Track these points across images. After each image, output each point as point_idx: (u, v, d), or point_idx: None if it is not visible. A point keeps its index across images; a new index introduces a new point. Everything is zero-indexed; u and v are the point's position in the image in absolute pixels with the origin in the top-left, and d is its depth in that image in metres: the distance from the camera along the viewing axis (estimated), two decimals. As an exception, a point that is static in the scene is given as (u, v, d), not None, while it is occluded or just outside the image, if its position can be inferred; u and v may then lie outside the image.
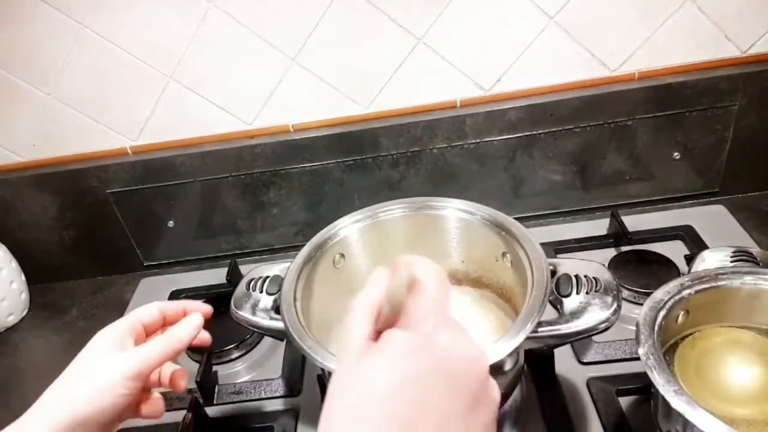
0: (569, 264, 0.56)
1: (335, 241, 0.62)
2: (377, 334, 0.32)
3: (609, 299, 0.52)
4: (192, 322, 0.52)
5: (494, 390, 0.31)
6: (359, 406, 0.28)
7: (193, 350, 0.69)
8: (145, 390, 0.51)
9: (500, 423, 0.60)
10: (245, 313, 0.58)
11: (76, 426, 0.44)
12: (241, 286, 0.62)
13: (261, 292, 0.60)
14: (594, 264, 0.56)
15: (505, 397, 0.56)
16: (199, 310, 0.54)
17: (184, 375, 0.54)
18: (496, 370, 0.51)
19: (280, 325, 0.55)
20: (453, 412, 0.28)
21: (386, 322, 0.32)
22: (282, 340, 0.68)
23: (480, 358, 0.30)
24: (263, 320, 0.58)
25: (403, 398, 0.27)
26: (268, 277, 0.61)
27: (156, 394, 0.53)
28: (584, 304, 0.52)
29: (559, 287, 0.53)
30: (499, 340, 0.47)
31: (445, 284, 0.32)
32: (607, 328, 0.51)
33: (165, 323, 0.54)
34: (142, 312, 0.52)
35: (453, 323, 0.31)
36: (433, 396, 0.28)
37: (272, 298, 0.59)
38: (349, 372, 0.30)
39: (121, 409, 0.46)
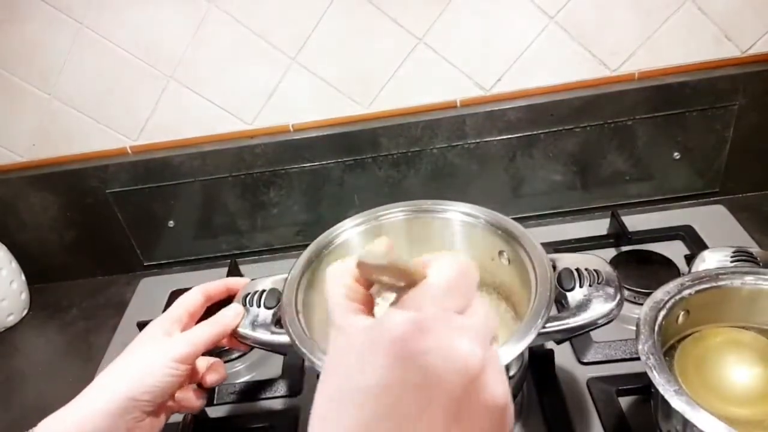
0: (568, 258, 0.56)
1: (335, 246, 0.62)
2: (369, 303, 0.31)
3: (612, 291, 0.52)
4: (233, 309, 0.57)
5: (491, 391, 0.27)
6: (338, 406, 0.27)
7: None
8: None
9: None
10: (245, 330, 0.57)
11: (128, 401, 0.48)
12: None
13: (259, 306, 0.58)
14: (593, 257, 0.56)
15: (512, 398, 0.56)
16: (238, 285, 0.60)
17: (216, 368, 0.57)
18: (505, 370, 0.51)
19: (281, 339, 0.54)
20: (427, 424, 0.26)
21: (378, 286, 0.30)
22: (285, 354, 0.67)
23: (467, 363, 0.26)
24: (264, 335, 0.56)
25: (375, 408, 0.26)
26: (264, 291, 0.59)
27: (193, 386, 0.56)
28: (588, 296, 0.52)
29: (561, 282, 0.53)
30: (510, 339, 0.47)
31: (462, 276, 0.30)
32: (611, 320, 0.51)
33: (208, 301, 0.58)
34: (187, 300, 0.56)
35: (447, 320, 0.27)
36: (406, 408, 0.26)
37: (271, 312, 0.58)
38: (339, 356, 0.29)
39: (169, 389, 0.50)
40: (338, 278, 0.31)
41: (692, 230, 0.81)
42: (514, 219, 0.60)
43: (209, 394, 0.69)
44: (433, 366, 0.26)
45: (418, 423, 0.25)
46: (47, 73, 0.80)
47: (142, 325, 0.78)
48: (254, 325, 0.57)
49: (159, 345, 0.51)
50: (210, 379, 0.56)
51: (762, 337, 0.54)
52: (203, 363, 0.57)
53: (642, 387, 0.61)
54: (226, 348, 0.72)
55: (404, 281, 0.29)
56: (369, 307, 0.31)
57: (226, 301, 0.60)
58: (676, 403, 0.44)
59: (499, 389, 0.27)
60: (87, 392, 0.49)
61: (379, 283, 0.31)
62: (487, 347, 0.27)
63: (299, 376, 0.71)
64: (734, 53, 0.80)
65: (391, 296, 0.31)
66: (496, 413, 0.27)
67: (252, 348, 0.63)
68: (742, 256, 0.66)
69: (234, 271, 0.87)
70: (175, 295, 0.87)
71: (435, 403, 0.26)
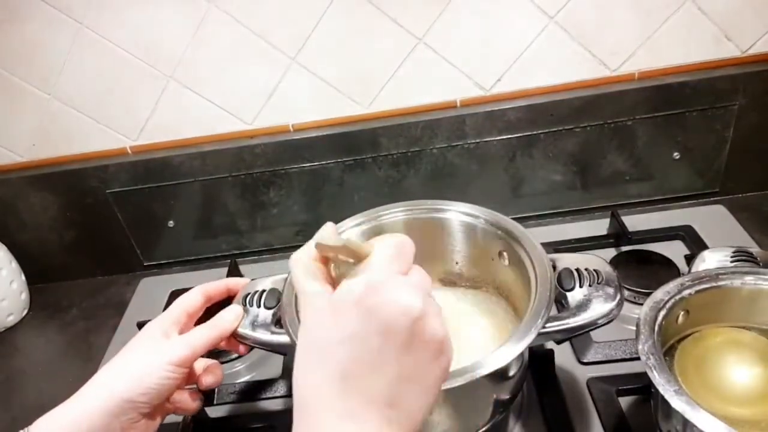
0: (568, 258, 0.56)
1: None
2: (333, 280, 0.38)
3: (611, 290, 0.52)
4: (233, 311, 0.57)
5: (431, 328, 0.34)
6: (315, 356, 0.35)
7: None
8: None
9: (502, 422, 0.60)
10: (245, 330, 0.57)
11: (124, 402, 0.48)
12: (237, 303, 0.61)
13: (259, 306, 0.58)
14: (593, 257, 0.56)
15: (513, 398, 0.56)
16: (238, 285, 0.60)
17: (212, 370, 0.56)
18: (505, 370, 0.51)
19: (281, 339, 0.54)
20: (387, 357, 0.33)
21: (340, 267, 0.38)
22: (285, 354, 0.67)
23: (410, 310, 0.34)
24: (264, 335, 0.56)
25: (345, 352, 0.34)
26: (264, 291, 0.59)
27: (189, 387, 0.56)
28: (588, 296, 0.52)
29: (561, 281, 0.53)
30: (510, 339, 0.47)
31: (401, 248, 0.37)
32: (612, 320, 0.51)
33: (208, 301, 0.58)
34: (186, 301, 0.56)
35: (393, 280, 0.35)
36: (368, 348, 0.33)
37: (271, 312, 0.57)
38: (310, 321, 0.36)
39: (166, 391, 0.50)
40: (300, 261, 0.39)
41: (692, 230, 0.81)
42: (514, 219, 0.60)
43: (208, 395, 0.69)
44: (386, 314, 0.33)
45: (379, 357, 0.33)
46: (47, 73, 0.80)
47: (141, 325, 0.78)
48: (254, 325, 0.57)
49: (157, 347, 0.51)
50: (206, 381, 0.55)
51: (762, 337, 0.54)
52: (200, 364, 0.57)
53: (642, 387, 0.61)
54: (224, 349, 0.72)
55: (354, 259, 0.37)
56: (329, 281, 0.38)
57: (227, 300, 0.60)
58: (676, 403, 0.44)
59: (437, 328, 0.35)
60: (83, 391, 0.49)
61: (334, 261, 0.39)
62: (426, 298, 0.35)
63: (299, 376, 0.70)
64: (734, 53, 0.80)
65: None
66: (435, 344, 0.35)
67: (250, 350, 0.63)
68: (742, 256, 0.66)
69: (234, 271, 0.87)
70: (175, 295, 0.87)
71: (390, 341, 0.33)
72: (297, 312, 0.54)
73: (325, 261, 0.39)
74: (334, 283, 0.38)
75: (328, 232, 0.39)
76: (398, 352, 0.34)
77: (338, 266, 0.39)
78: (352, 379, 0.33)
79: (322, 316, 0.35)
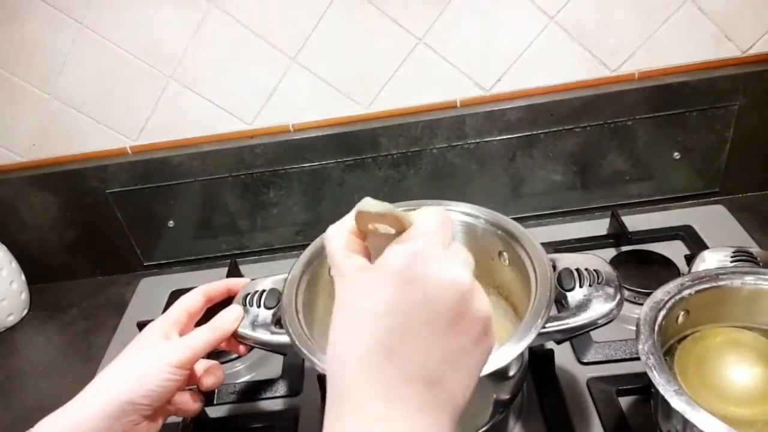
0: (568, 258, 0.56)
1: None
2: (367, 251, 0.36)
3: (611, 290, 0.52)
4: (233, 312, 0.57)
5: (478, 305, 0.33)
6: (351, 328, 0.32)
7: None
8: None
9: (502, 422, 0.60)
10: (245, 330, 0.57)
11: (125, 404, 0.48)
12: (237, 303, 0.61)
13: (259, 306, 0.58)
14: (593, 257, 0.56)
15: (512, 398, 0.56)
16: (239, 285, 0.60)
17: (213, 371, 0.56)
18: (505, 370, 0.51)
19: (281, 339, 0.54)
20: (432, 333, 0.32)
21: (377, 238, 0.36)
22: (285, 354, 0.67)
23: (459, 281, 0.32)
24: (264, 335, 0.56)
25: (386, 323, 0.31)
26: (264, 291, 0.59)
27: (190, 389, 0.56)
28: (588, 296, 0.52)
29: (561, 281, 0.53)
30: (510, 339, 0.47)
31: (444, 219, 0.35)
32: (612, 320, 0.51)
33: (209, 302, 0.58)
34: (187, 301, 0.56)
35: (439, 250, 0.33)
36: (411, 321, 0.31)
37: (271, 312, 0.57)
38: (347, 295, 0.34)
39: (167, 393, 0.50)
40: (338, 234, 0.36)
41: (692, 230, 0.81)
42: (514, 219, 0.60)
43: (208, 395, 0.69)
44: (433, 286, 0.32)
45: (422, 331, 0.31)
46: (47, 73, 0.80)
47: (142, 325, 0.78)
48: (254, 325, 0.57)
49: (157, 348, 0.51)
50: (207, 382, 0.55)
51: (762, 337, 0.54)
52: (201, 365, 0.57)
53: (642, 387, 0.61)
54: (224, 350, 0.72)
55: (396, 228, 0.35)
56: (366, 255, 0.36)
57: (227, 301, 0.60)
58: (676, 403, 0.44)
59: (483, 306, 0.33)
60: (85, 393, 0.49)
61: (372, 235, 0.36)
62: (471, 273, 0.33)
63: (299, 376, 0.71)
64: (734, 53, 0.80)
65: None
66: (483, 322, 0.33)
67: (250, 350, 0.63)
68: (742, 256, 0.66)
69: (234, 271, 0.87)
70: (175, 295, 0.87)
71: (437, 315, 0.31)
72: (297, 312, 0.54)
73: (362, 236, 0.37)
74: (370, 258, 0.36)
75: (370, 201, 0.35)
76: (442, 328, 0.32)
77: (374, 241, 0.36)
78: (391, 353, 0.31)
79: (363, 288, 0.33)
